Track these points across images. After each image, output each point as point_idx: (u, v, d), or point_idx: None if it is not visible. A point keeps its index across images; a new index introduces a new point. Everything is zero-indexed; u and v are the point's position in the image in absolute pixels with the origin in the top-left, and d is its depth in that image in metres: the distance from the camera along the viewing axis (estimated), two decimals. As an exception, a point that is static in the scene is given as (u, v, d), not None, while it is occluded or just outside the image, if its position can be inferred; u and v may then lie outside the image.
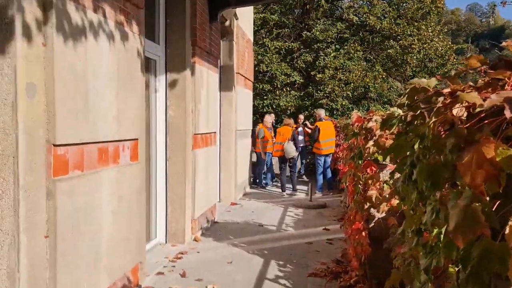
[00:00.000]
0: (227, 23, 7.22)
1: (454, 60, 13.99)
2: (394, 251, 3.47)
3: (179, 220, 5.10)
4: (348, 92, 12.18)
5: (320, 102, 12.00)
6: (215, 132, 6.45)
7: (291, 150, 8.80)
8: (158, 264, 4.38)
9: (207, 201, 5.97)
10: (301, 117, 10.66)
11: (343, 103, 12.14)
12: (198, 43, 5.30)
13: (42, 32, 2.44)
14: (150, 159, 4.94)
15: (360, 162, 3.85)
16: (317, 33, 12.59)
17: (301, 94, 13.08)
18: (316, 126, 8.99)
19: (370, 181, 3.79)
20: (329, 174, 8.93)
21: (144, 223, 3.87)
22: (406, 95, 1.51)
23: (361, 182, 3.85)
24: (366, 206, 3.78)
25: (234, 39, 7.91)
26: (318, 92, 12.55)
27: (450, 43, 14.16)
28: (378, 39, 13.23)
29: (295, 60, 13.10)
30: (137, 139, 3.66)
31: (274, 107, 12.62)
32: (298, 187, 9.27)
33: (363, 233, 3.73)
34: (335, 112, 12.17)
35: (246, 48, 9.08)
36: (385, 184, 3.79)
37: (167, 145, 5.10)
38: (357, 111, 4.32)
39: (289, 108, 12.23)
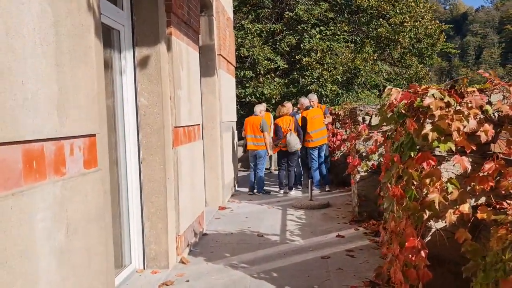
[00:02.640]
0: (206, -7, 6.05)
1: (444, 39, 13.21)
2: (476, 283, 2.46)
3: (160, 239, 3.93)
4: (338, 77, 11.17)
5: (308, 88, 10.95)
6: (199, 124, 5.29)
7: (296, 142, 7.58)
8: (135, 306, 3.22)
9: (194, 210, 4.81)
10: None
11: (333, 88, 11.13)
12: (174, 9, 4.11)
13: None
14: (118, 163, 3.75)
15: (412, 154, 2.78)
16: (301, 12, 11.48)
17: (286, 80, 11.98)
18: (302, 116, 7.86)
19: (427, 181, 2.73)
20: (323, 169, 7.82)
21: (111, 259, 2.68)
22: None
23: (414, 183, 2.79)
24: (425, 216, 2.72)
25: (214, 15, 6.73)
26: (305, 77, 11.47)
27: (438, 22, 13.36)
28: (366, 19, 12.26)
29: (278, 43, 11.97)
30: (94, 135, 2.47)
31: (258, 95, 11.49)
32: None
33: (422, 253, 2.66)
34: (324, 99, 11.15)
35: (227, 27, 7.89)
36: (449, 184, 2.74)
37: (140, 142, 3.91)
38: (391, 87, 3.21)
39: (274, 96, 11.13)
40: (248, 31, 11.37)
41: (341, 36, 12.09)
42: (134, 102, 3.88)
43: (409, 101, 2.82)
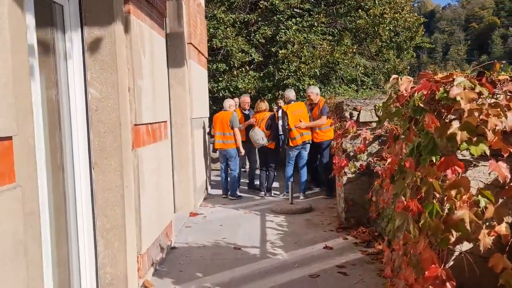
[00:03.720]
0: (174, -29, 5.33)
1: (423, 33, 12.89)
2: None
3: (117, 260, 3.23)
4: (316, 70, 10.61)
5: (284, 82, 10.35)
6: (166, 121, 4.58)
7: (257, 138, 6.93)
8: None
9: (160, 221, 4.12)
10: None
11: (311, 82, 10.56)
12: (132, -18, 3.40)
13: None
14: (64, 170, 3.02)
15: (434, 159, 2.20)
16: (276, 2, 10.84)
17: (261, 74, 11.33)
18: (282, 110, 7.08)
19: (453, 192, 2.17)
20: (304, 175, 7.03)
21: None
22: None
23: (437, 195, 2.22)
24: (452, 238, 2.16)
25: (183, -2, 6.01)
26: (281, 71, 10.85)
27: (416, 15, 13.02)
28: (344, 10, 11.76)
29: (253, 34, 11.31)
30: (9, 138, 1.77)
31: (232, 90, 10.79)
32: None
33: (448, 286, 2.10)
34: (302, 93, 10.59)
35: (198, 13, 7.18)
36: (480, 197, 2.18)
37: (91, 144, 3.19)
38: (396, 76, 2.62)
39: (249, 90, 10.48)
40: (221, 21, 10.64)
41: (319, 28, 11.54)
42: (83, 95, 3.15)
43: (429, 92, 2.23)
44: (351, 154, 5.13)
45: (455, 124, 2.11)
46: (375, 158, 5.11)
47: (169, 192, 4.64)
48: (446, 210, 2.19)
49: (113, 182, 3.21)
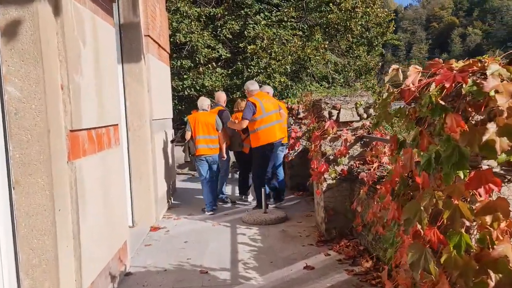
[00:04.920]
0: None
1: (393, 28, 12.60)
2: None
3: (48, 304, 2.54)
4: (287, 66, 10.06)
5: (254, 79, 9.74)
6: (117, 125, 3.88)
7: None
8: None
9: (109, 245, 3.43)
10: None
11: (282, 79, 10.01)
12: (63, -49, 2.69)
13: None
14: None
15: (462, 174, 1.65)
16: (243, -6, 10.23)
17: (229, 71, 10.67)
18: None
19: (488, 218, 1.63)
20: (281, 175, 6.47)
21: None
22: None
23: (465, 222, 1.67)
24: (491, 283, 1.61)
25: (138, -16, 5.30)
26: (251, 67, 10.24)
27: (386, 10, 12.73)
28: (314, 4, 11.27)
29: (220, 29, 10.63)
30: None
31: (198, 88, 10.07)
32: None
33: None
34: (274, 91, 10.04)
35: (158, 3, 6.46)
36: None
37: (11, 157, 2.48)
38: (397, 66, 2.04)
39: (216, 88, 9.81)
40: (185, 15, 9.91)
41: (288, 23, 11.00)
42: (-2, 93, 2.44)
43: (453, 85, 1.67)
44: (331, 157, 4.59)
45: (491, 128, 1.56)
46: (358, 162, 4.60)
47: (122, 208, 3.95)
48: (478, 242, 1.65)
49: (41, 205, 2.51)
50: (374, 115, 4.55)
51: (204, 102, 6.29)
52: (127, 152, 5.32)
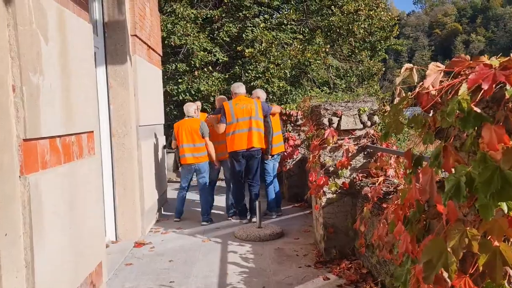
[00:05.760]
0: None
1: (397, 33, 12.21)
2: None
3: None
4: (286, 71, 9.66)
5: (252, 84, 9.35)
6: (92, 132, 3.47)
7: None
8: None
9: (76, 272, 2.99)
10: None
11: (280, 84, 9.60)
12: None
13: None
14: None
15: (505, 207, 1.22)
16: (242, -5, 9.84)
17: (226, 76, 10.28)
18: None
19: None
20: (277, 186, 6.08)
21: None
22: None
23: (509, 270, 1.24)
24: None
25: (124, -21, 4.91)
26: (248, 72, 9.84)
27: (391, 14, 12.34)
28: (315, 7, 10.90)
29: (217, 32, 10.25)
30: None
31: (193, 92, 9.67)
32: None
33: None
34: (271, 97, 9.63)
35: (147, 1, 6.08)
36: None
37: None
38: (410, 65, 1.61)
39: (212, 93, 9.42)
40: (180, 16, 9.53)
41: (288, 26, 10.63)
42: None
43: (492, 86, 1.25)
44: (331, 169, 4.17)
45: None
46: (360, 175, 4.17)
47: (97, 225, 3.52)
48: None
49: (-18, 230, 2.09)
50: (380, 123, 4.14)
51: (189, 108, 5.88)
52: (110, 161, 4.92)
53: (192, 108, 5.89)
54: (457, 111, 1.38)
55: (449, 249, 1.33)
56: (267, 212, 5.94)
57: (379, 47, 12.12)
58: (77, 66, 3.16)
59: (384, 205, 3.09)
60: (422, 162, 1.69)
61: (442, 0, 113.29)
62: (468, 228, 1.31)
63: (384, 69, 15.01)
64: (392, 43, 12.64)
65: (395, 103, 1.84)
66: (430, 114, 1.68)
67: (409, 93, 1.75)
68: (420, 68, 1.81)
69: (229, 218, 5.90)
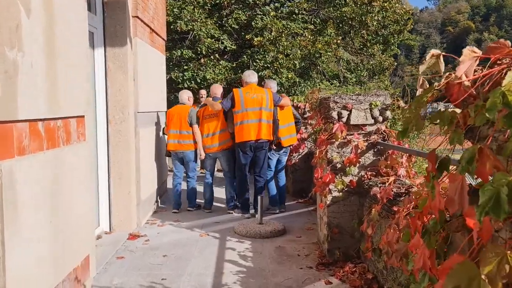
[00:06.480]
0: None
1: (411, 26, 11.81)
2: None
3: None
4: (296, 62, 9.35)
5: (260, 74, 9.07)
6: (82, 117, 3.23)
7: None
8: None
9: (56, 266, 2.76)
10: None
11: (289, 76, 9.30)
12: None
13: None
14: None
15: None
16: (253, -17, 9.53)
17: (234, 65, 9.99)
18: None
19: None
20: (282, 179, 5.84)
21: None
22: None
23: None
24: None
25: (126, -43, 4.64)
26: (257, 61, 9.55)
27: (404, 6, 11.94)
28: (328, -4, 10.57)
29: (225, 19, 9.95)
30: None
31: (199, 80, 9.41)
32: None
33: None
34: (279, 88, 9.34)
35: (152, -18, 5.80)
36: None
37: None
38: (437, 51, 1.32)
39: (218, 82, 9.15)
40: (188, 0, 9.23)
41: (299, 15, 10.30)
42: None
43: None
44: (338, 166, 3.90)
45: None
46: (369, 173, 3.90)
47: (86, 216, 3.30)
48: None
49: None
50: (395, 119, 3.86)
51: (183, 95, 5.82)
52: (106, 149, 4.69)
53: (185, 95, 5.85)
54: (500, 105, 1.11)
55: (483, 277, 1.06)
56: (269, 207, 5.69)
57: (392, 41, 11.73)
58: (67, 45, 2.91)
59: (395, 208, 2.82)
60: (448, 166, 1.42)
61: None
62: (510, 252, 1.05)
63: (396, 64, 14.62)
64: (406, 37, 12.24)
65: (418, 95, 1.57)
66: (461, 109, 1.41)
67: (436, 83, 1.48)
68: (450, 56, 1.53)
69: (229, 211, 5.67)
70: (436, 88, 1.46)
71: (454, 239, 1.54)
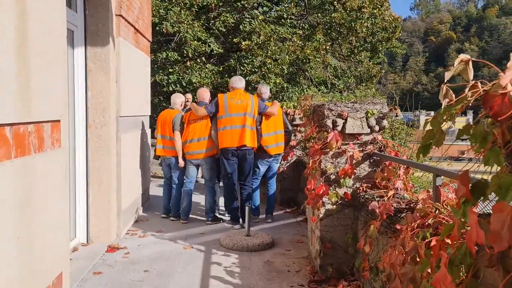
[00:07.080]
0: None
1: (399, 34, 11.77)
2: None
3: None
4: (284, 67, 9.17)
5: (247, 79, 8.85)
6: (58, 121, 2.95)
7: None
8: None
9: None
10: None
11: (277, 81, 9.12)
12: None
13: None
14: None
15: None
16: (241, -15, 9.33)
17: (221, 68, 9.75)
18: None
19: None
20: (273, 187, 5.63)
21: None
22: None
23: None
24: None
25: (111, -49, 4.37)
26: (244, 65, 9.34)
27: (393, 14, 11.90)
28: (317, 2, 10.42)
29: (212, 21, 9.71)
30: None
31: (184, 84, 9.13)
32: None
33: None
34: (267, 93, 9.15)
35: (137, -20, 5.54)
36: None
37: None
38: (467, 56, 1.11)
39: (204, 86, 8.90)
40: (174, 1, 8.98)
41: (288, 20, 10.14)
42: None
43: None
44: (332, 177, 3.70)
45: None
46: (365, 185, 3.71)
47: (59, 231, 3.00)
48: None
49: None
50: (390, 129, 3.69)
51: (176, 99, 5.60)
52: (85, 155, 4.39)
53: (178, 100, 5.63)
54: None
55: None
56: (252, 216, 5.45)
57: (380, 48, 11.68)
58: (42, 42, 2.64)
59: (398, 227, 2.63)
60: (486, 192, 1.21)
61: (438, 8, 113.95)
62: None
63: (383, 71, 14.61)
64: (394, 45, 12.22)
65: (444, 105, 1.36)
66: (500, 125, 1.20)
67: (469, 92, 1.27)
68: (483, 61, 1.33)
69: (208, 222, 5.37)
70: (469, 98, 1.26)
71: (485, 274, 1.34)
